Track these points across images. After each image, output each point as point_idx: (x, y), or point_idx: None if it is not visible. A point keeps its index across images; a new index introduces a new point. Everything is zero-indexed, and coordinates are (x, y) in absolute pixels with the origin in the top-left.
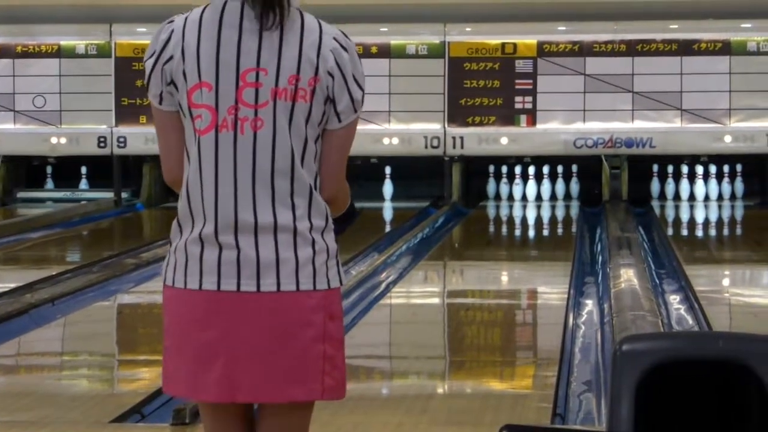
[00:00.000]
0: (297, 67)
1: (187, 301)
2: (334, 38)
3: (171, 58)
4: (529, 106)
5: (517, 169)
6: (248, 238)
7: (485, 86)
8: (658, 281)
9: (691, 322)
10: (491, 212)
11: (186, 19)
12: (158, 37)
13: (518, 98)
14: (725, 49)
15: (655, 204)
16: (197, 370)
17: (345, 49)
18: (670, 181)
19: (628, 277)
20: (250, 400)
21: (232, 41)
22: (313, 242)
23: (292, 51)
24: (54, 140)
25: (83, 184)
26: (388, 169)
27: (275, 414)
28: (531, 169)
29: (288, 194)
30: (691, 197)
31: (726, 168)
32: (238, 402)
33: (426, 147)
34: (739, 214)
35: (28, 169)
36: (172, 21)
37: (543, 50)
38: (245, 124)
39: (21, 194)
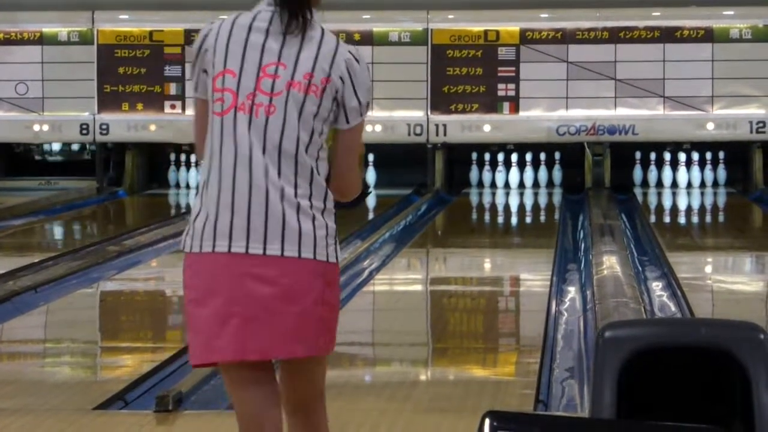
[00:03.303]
0: (312, 66)
1: (201, 266)
2: (349, 51)
3: (206, 51)
4: (512, 93)
5: (500, 157)
6: (259, 207)
7: (468, 74)
8: (640, 268)
9: (673, 308)
10: (474, 200)
11: (224, 20)
12: (201, 34)
13: (501, 86)
14: (708, 36)
15: (638, 191)
16: (211, 333)
17: (357, 60)
18: (653, 168)
19: (610, 264)
20: (258, 358)
21: (258, 40)
22: (314, 218)
23: (310, 53)
24: (36, 127)
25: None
26: (371, 157)
27: (291, 368)
28: (514, 157)
29: (292, 174)
30: (674, 184)
31: (708, 155)
32: (249, 360)
33: (409, 134)
34: (721, 201)
35: (9, 157)
36: (213, 22)
37: (526, 38)
38: (260, 109)
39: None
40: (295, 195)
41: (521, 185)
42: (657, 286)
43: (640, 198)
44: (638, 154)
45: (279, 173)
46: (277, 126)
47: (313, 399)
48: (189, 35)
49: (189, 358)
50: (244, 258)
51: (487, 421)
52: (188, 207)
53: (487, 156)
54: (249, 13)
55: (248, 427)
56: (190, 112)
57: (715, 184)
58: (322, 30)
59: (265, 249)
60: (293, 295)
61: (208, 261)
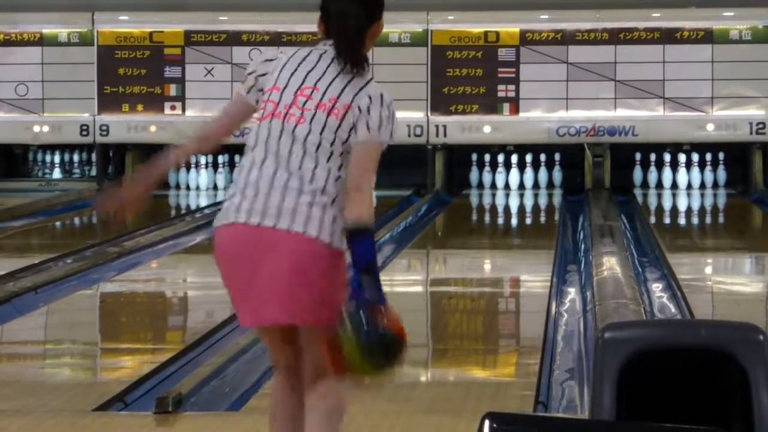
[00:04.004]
0: (339, 94)
1: (224, 237)
2: (376, 89)
3: (265, 74)
4: (512, 94)
5: (500, 158)
6: (278, 190)
7: (468, 75)
8: (640, 269)
9: (673, 310)
10: (474, 201)
11: (288, 54)
12: (267, 55)
13: (501, 87)
14: (707, 37)
15: (638, 192)
16: (236, 301)
17: (381, 99)
18: (653, 169)
19: (610, 265)
20: (273, 324)
21: (305, 69)
22: (324, 208)
23: (341, 85)
24: (36, 128)
25: (57, 173)
26: None
27: (305, 334)
28: (514, 158)
29: (311, 171)
30: (674, 185)
31: (708, 156)
32: (266, 326)
33: (409, 135)
34: (721, 202)
35: (8, 158)
36: (282, 52)
37: (526, 39)
38: (291, 118)
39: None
40: (311, 187)
41: (521, 186)
42: (657, 288)
43: (640, 199)
44: (638, 155)
45: (300, 167)
46: (302, 133)
47: (319, 369)
48: (189, 36)
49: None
50: (257, 229)
51: (486, 423)
52: (188, 208)
53: (487, 157)
54: (307, 48)
55: (277, 363)
56: (190, 113)
57: (715, 185)
58: (369, 76)
59: (276, 224)
60: (297, 268)
61: (229, 231)
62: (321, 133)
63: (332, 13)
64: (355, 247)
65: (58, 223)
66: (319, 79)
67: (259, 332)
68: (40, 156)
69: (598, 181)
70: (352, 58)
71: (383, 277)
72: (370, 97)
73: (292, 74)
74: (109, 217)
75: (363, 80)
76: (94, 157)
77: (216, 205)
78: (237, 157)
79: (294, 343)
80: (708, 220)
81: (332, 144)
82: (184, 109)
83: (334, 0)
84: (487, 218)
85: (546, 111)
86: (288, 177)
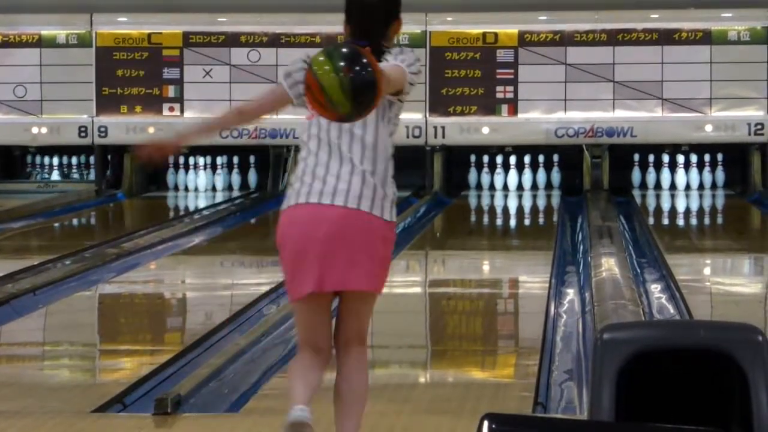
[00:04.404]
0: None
1: (290, 216)
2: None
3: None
4: (510, 95)
5: (499, 159)
6: (345, 177)
7: (466, 76)
8: (639, 270)
9: (672, 311)
10: (473, 202)
11: None
12: (303, 58)
13: (499, 88)
14: (706, 38)
15: (636, 193)
16: (295, 269)
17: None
18: (651, 170)
19: (609, 266)
20: (335, 288)
21: None
22: (375, 187)
23: None
24: (35, 130)
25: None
26: None
27: (352, 299)
28: (512, 159)
29: (372, 159)
30: (672, 186)
31: (707, 157)
32: (327, 290)
33: (407, 136)
34: (720, 203)
35: (7, 160)
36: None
37: (524, 40)
38: None
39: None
40: (363, 168)
41: (520, 187)
42: (656, 288)
43: (638, 200)
44: (637, 156)
45: (362, 156)
46: (359, 125)
47: (361, 335)
48: (187, 37)
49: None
50: (329, 208)
51: (485, 424)
52: (187, 209)
53: (485, 158)
54: None
55: (308, 342)
56: (188, 114)
57: (714, 186)
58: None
59: (346, 203)
60: (351, 238)
61: (302, 210)
62: (376, 123)
63: (355, 11)
64: None
65: (56, 225)
66: None
67: (302, 308)
68: (38, 159)
69: (597, 182)
70: (375, 48)
71: None
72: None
73: None
74: (145, 157)
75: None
76: (92, 159)
77: (214, 207)
78: (236, 159)
79: (327, 320)
80: (707, 220)
81: (377, 127)
82: (182, 111)
83: (360, 9)
84: (485, 219)
85: (544, 112)
86: (340, 162)
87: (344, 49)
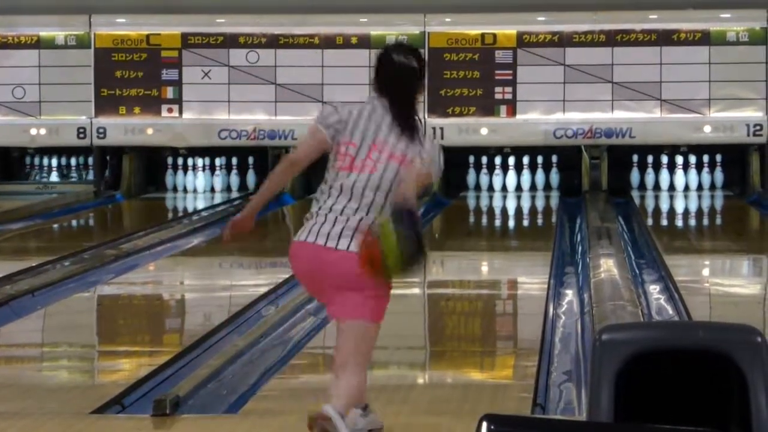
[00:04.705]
0: (406, 147)
1: (298, 249)
2: (432, 143)
3: (341, 121)
4: (509, 96)
5: (497, 160)
6: (341, 224)
7: (465, 77)
8: (638, 271)
9: (671, 311)
10: (471, 203)
11: (354, 109)
12: (344, 107)
13: (498, 89)
14: (704, 39)
15: (635, 194)
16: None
17: (435, 151)
18: (650, 171)
19: (607, 267)
20: (335, 317)
21: (375, 126)
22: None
23: (408, 141)
24: (34, 131)
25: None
26: None
27: (346, 327)
28: (511, 160)
29: (381, 205)
30: (671, 187)
31: (706, 158)
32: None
33: None
34: (718, 204)
35: (5, 161)
36: (351, 111)
37: (523, 41)
38: (366, 168)
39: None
40: (368, 217)
41: (518, 188)
42: (654, 289)
43: (637, 201)
44: (635, 157)
45: (372, 203)
46: (375, 180)
47: (350, 356)
48: (186, 39)
49: None
50: (319, 247)
51: (484, 425)
52: (185, 210)
53: (484, 159)
54: (368, 106)
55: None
56: (187, 115)
57: (712, 186)
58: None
59: (337, 245)
60: (347, 277)
61: (306, 247)
62: (392, 179)
63: (395, 78)
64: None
65: (55, 226)
66: (388, 135)
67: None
68: (37, 160)
69: (596, 183)
70: (410, 125)
71: None
72: (432, 147)
73: (365, 131)
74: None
75: (419, 134)
76: (91, 161)
77: (212, 208)
78: (234, 160)
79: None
80: (705, 221)
81: (394, 183)
82: (181, 112)
83: (395, 72)
84: (484, 220)
85: (543, 113)
86: (362, 207)
87: (409, 230)
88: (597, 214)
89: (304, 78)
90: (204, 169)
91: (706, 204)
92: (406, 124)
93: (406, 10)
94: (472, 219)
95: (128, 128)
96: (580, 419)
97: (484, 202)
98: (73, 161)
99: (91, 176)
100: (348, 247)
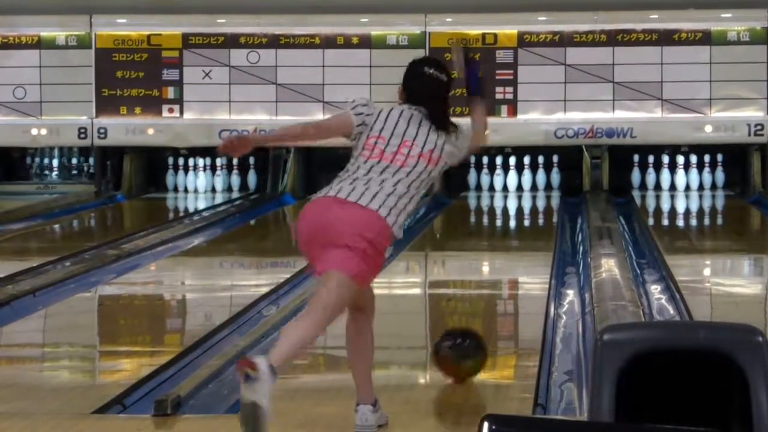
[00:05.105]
0: (433, 147)
1: (308, 208)
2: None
3: (371, 115)
4: (509, 96)
5: (498, 160)
6: (367, 188)
7: None
8: (639, 271)
9: (672, 311)
10: (472, 203)
11: (387, 108)
12: (371, 104)
13: (499, 89)
14: (705, 38)
15: (636, 194)
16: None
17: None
18: (651, 171)
19: (609, 266)
20: (320, 271)
21: (404, 125)
22: (405, 205)
23: (439, 139)
24: (34, 131)
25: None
26: None
27: (325, 276)
28: (512, 160)
29: (407, 185)
30: (672, 187)
31: (707, 158)
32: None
33: None
34: (719, 204)
35: (6, 162)
36: (385, 106)
37: (523, 40)
38: (397, 161)
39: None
40: (397, 200)
41: (519, 188)
42: (655, 289)
43: (638, 201)
44: (636, 157)
45: (393, 185)
46: (405, 171)
47: (312, 305)
48: (186, 39)
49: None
50: (334, 199)
51: (485, 425)
52: (186, 210)
53: (485, 159)
54: (398, 108)
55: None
56: (188, 115)
57: (713, 186)
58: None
59: (354, 199)
60: (349, 229)
61: (313, 204)
62: (420, 173)
63: (423, 93)
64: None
65: (56, 226)
66: (417, 133)
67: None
68: (38, 160)
69: (597, 182)
70: (444, 123)
71: (382, 279)
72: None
73: (394, 127)
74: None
75: (448, 132)
76: (92, 161)
77: (213, 208)
78: (235, 160)
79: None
80: (706, 221)
81: (422, 180)
82: (182, 112)
83: (426, 84)
84: (485, 220)
85: (544, 113)
86: (381, 182)
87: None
88: (598, 214)
89: (305, 78)
90: (205, 170)
91: (707, 204)
92: (441, 126)
93: (407, 11)
94: (473, 219)
95: (129, 128)
96: (581, 419)
97: (485, 202)
98: (74, 161)
99: (92, 172)
100: (365, 203)
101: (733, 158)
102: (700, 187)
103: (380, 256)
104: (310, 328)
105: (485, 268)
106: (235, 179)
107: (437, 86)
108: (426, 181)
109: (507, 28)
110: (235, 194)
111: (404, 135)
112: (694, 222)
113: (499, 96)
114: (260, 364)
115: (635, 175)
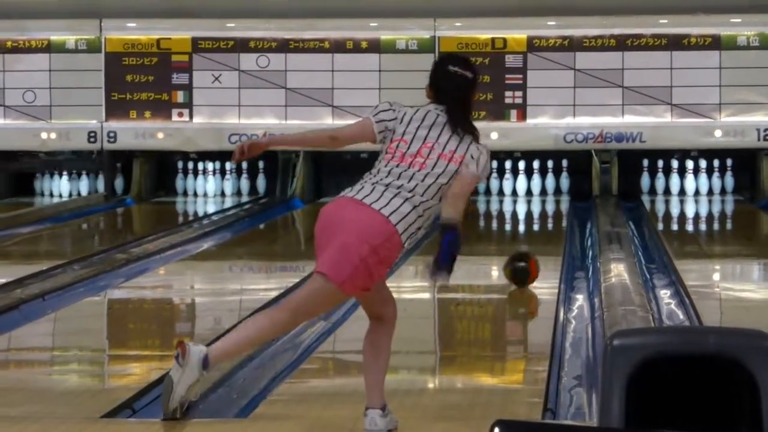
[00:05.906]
0: (456, 148)
1: (326, 209)
2: (481, 146)
3: (395, 119)
4: (519, 101)
5: (508, 164)
6: (386, 194)
7: None
8: (648, 276)
9: (681, 316)
10: (482, 207)
11: (408, 111)
12: (401, 107)
13: (508, 93)
14: (715, 43)
15: (645, 199)
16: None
17: (480, 153)
18: (660, 175)
19: (618, 271)
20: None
21: (427, 126)
22: (417, 219)
23: (457, 141)
24: (44, 135)
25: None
26: None
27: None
28: (521, 164)
29: (422, 193)
30: (682, 192)
31: (716, 162)
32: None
33: None
34: (729, 208)
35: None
36: (405, 112)
37: (533, 45)
38: (416, 164)
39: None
40: (416, 203)
41: (529, 193)
42: (665, 294)
43: (647, 205)
44: (646, 162)
45: (412, 189)
46: (424, 173)
47: (287, 299)
48: (196, 43)
49: None
50: (352, 200)
51: (496, 430)
52: (196, 214)
53: (494, 164)
54: (423, 109)
55: None
56: (197, 119)
57: (723, 191)
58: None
59: (370, 202)
60: (356, 227)
61: (331, 205)
62: (438, 175)
63: (448, 90)
64: (443, 236)
65: (65, 230)
66: (439, 135)
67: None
68: (47, 182)
69: (606, 187)
70: (466, 127)
71: (391, 283)
72: (478, 149)
73: (416, 130)
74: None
75: (471, 136)
76: (100, 179)
77: (223, 212)
78: (244, 164)
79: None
80: (716, 226)
81: (441, 183)
82: (191, 116)
83: (451, 82)
84: (494, 225)
85: (553, 117)
86: (400, 186)
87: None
88: (607, 219)
89: (315, 82)
90: (214, 173)
91: (716, 209)
92: (463, 127)
93: (417, 15)
94: (482, 223)
95: (139, 132)
96: (591, 424)
97: (494, 207)
98: (83, 183)
99: (101, 180)
100: (378, 207)
101: (742, 163)
102: (710, 192)
103: (383, 266)
104: (267, 328)
105: (494, 273)
106: (245, 183)
107: (464, 84)
108: (445, 186)
109: (516, 33)
110: (245, 198)
111: (426, 138)
112: (703, 227)
113: (508, 100)
114: (193, 355)
115: (644, 180)
